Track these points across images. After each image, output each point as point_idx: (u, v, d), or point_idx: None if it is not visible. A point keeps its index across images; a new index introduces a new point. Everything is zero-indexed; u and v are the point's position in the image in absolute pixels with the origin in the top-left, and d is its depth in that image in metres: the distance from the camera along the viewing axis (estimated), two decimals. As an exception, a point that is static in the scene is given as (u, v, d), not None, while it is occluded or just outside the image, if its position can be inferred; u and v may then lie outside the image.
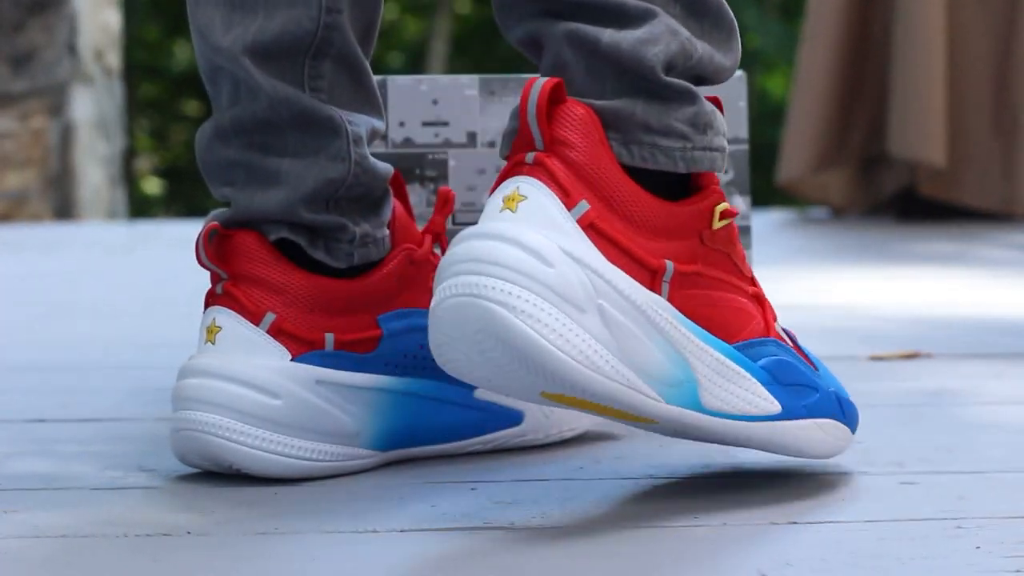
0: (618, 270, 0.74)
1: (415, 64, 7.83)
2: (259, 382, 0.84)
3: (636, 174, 0.78)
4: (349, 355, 0.86)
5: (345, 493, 0.83)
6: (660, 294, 0.76)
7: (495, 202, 0.75)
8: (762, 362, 0.80)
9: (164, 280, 2.18)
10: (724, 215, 0.79)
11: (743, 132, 1.12)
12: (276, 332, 0.85)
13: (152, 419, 1.06)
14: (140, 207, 7.62)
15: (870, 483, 0.84)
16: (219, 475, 0.87)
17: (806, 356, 0.84)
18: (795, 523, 0.76)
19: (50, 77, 3.52)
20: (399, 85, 1.12)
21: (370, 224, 0.88)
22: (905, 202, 3.12)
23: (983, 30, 3.01)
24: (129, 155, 6.62)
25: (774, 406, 0.80)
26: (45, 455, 0.93)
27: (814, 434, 0.82)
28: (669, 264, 0.76)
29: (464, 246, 0.74)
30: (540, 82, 0.76)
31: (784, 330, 0.84)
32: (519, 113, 0.77)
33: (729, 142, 1.11)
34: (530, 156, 0.76)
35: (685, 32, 0.80)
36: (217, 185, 0.89)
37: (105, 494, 0.83)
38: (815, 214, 3.33)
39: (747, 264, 0.82)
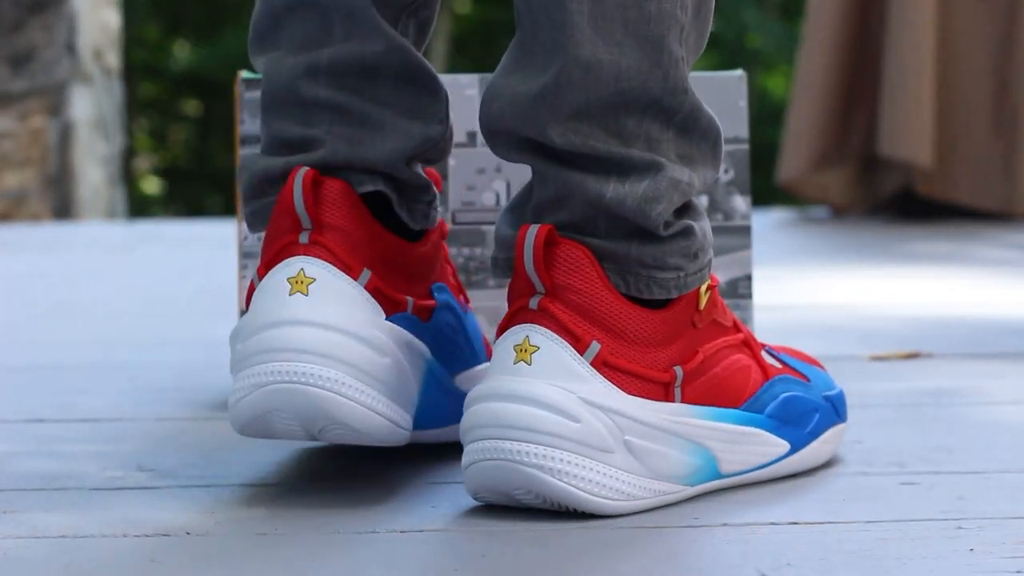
0: (635, 399, 0.78)
1: (415, 64, 7.81)
2: (370, 338, 0.79)
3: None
4: (418, 322, 0.84)
5: (345, 493, 0.82)
6: (675, 400, 0.79)
7: (507, 351, 0.77)
8: (768, 410, 0.84)
9: (164, 280, 2.18)
10: (707, 291, 0.82)
11: (743, 132, 1.12)
12: (373, 289, 0.80)
13: (152, 419, 1.06)
14: (139, 207, 7.62)
15: (870, 483, 0.84)
16: (218, 475, 0.87)
17: (794, 370, 0.86)
18: (795, 523, 0.76)
19: (49, 77, 3.52)
20: (399, 85, 1.12)
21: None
22: (905, 202, 3.11)
23: (983, 30, 3.01)
24: (128, 155, 6.62)
25: (783, 447, 0.85)
26: (44, 455, 0.93)
27: (819, 451, 0.87)
28: (678, 370, 0.80)
29: (488, 408, 0.76)
30: (534, 231, 0.77)
31: (769, 352, 0.86)
32: (515, 260, 0.78)
33: (729, 142, 1.11)
34: (534, 302, 0.77)
35: (685, 177, 0.80)
36: (293, 125, 0.84)
37: (104, 494, 0.83)
38: (815, 214, 3.33)
39: (728, 312, 0.85)
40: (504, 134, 0.80)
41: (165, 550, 0.72)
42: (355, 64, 0.83)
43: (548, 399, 0.75)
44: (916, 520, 0.77)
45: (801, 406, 0.86)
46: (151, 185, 8.60)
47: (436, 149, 0.85)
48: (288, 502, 0.80)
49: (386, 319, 0.81)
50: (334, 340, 0.77)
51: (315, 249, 0.80)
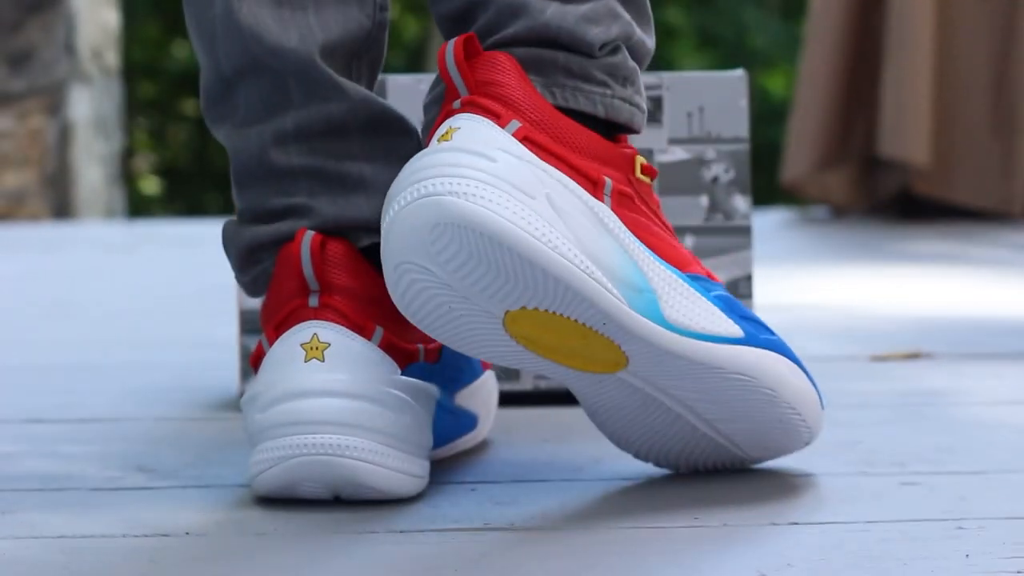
0: (559, 171, 0.74)
1: (415, 64, 7.83)
2: (390, 399, 0.79)
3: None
4: (429, 367, 0.83)
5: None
6: (603, 202, 0.76)
7: (431, 144, 0.75)
8: (715, 294, 0.79)
9: (163, 280, 2.18)
10: (644, 169, 0.79)
11: (744, 132, 1.12)
12: (387, 346, 0.80)
13: (151, 419, 1.06)
14: (138, 206, 7.62)
15: (870, 484, 0.84)
16: (218, 476, 0.87)
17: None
18: (796, 523, 0.76)
19: (48, 76, 3.52)
20: (399, 84, 1.12)
21: None
22: (905, 202, 3.12)
23: (981, 29, 3.01)
24: (127, 154, 6.62)
25: (736, 329, 0.78)
26: (44, 455, 0.93)
27: (780, 367, 0.80)
28: (608, 179, 0.76)
29: (403, 171, 0.74)
30: (453, 39, 0.76)
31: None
32: (439, 71, 0.77)
33: (729, 142, 1.11)
34: (457, 102, 0.76)
35: (626, 15, 0.80)
36: (272, 195, 0.83)
37: (104, 495, 0.83)
38: (816, 214, 3.33)
39: (669, 225, 0.81)
40: None
41: (164, 550, 0.72)
42: (322, 125, 0.82)
43: (465, 146, 0.72)
44: (917, 520, 0.77)
45: (753, 314, 0.81)
46: (150, 185, 8.60)
47: None
48: (287, 502, 0.80)
49: (401, 373, 0.81)
50: (355, 408, 0.78)
51: (326, 312, 0.79)
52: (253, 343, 1.10)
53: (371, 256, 0.83)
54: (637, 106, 0.80)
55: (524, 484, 0.84)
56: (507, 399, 1.09)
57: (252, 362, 0.82)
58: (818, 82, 3.10)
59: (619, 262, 0.74)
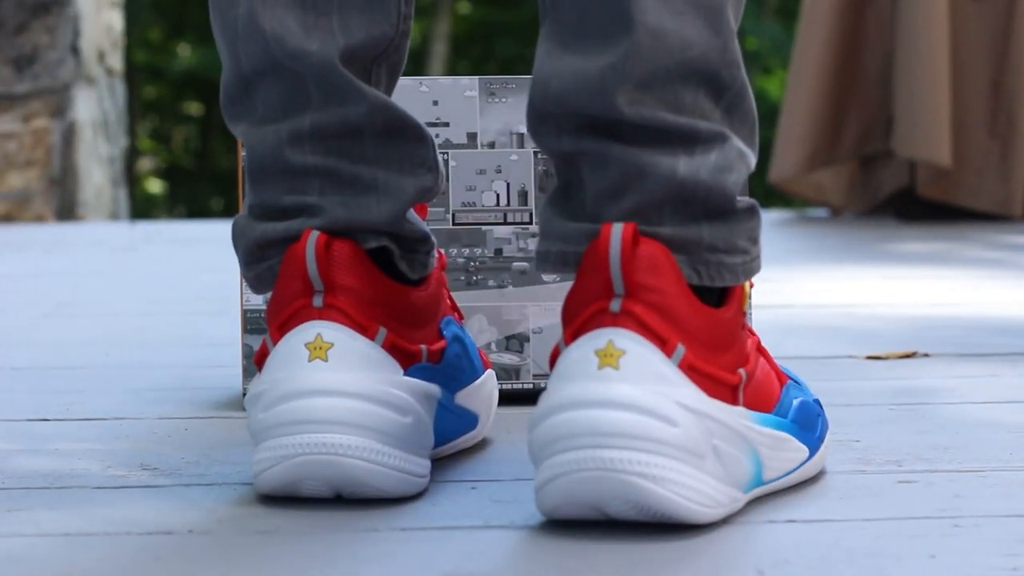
0: (717, 402, 0.75)
1: (415, 65, 7.83)
2: (392, 399, 0.79)
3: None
4: (432, 367, 0.84)
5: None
6: (739, 404, 0.78)
7: (587, 356, 0.73)
8: (791, 414, 0.83)
9: (166, 280, 2.18)
10: (750, 287, 0.82)
11: (742, 133, 1.12)
12: (390, 347, 0.80)
13: (154, 418, 1.06)
14: (142, 208, 7.61)
15: (868, 482, 0.84)
16: (220, 474, 0.87)
17: (784, 372, 0.86)
18: (793, 521, 0.76)
19: (53, 78, 3.52)
20: (400, 86, 1.12)
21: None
22: (903, 202, 3.11)
23: (980, 30, 3.01)
24: (131, 156, 6.61)
25: (804, 452, 0.84)
26: (48, 454, 0.93)
27: (823, 455, 0.87)
28: (743, 373, 0.78)
29: (579, 417, 0.72)
30: (619, 228, 0.74)
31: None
32: (599, 259, 0.74)
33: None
34: (616, 304, 0.74)
35: (746, 148, 0.79)
36: (284, 193, 0.83)
37: (107, 493, 0.83)
38: (813, 214, 3.32)
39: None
40: (561, 117, 0.78)
41: (167, 548, 0.72)
42: (339, 128, 0.82)
43: (645, 403, 0.72)
44: (913, 518, 0.77)
45: (811, 411, 0.85)
46: (154, 186, 8.59)
47: (430, 194, 0.85)
48: (290, 501, 0.80)
49: (404, 374, 0.81)
50: (358, 408, 0.78)
51: (330, 312, 0.79)
52: (255, 343, 1.11)
53: (377, 258, 0.83)
54: (760, 253, 0.81)
55: (524, 483, 0.83)
56: (507, 398, 1.09)
57: (256, 360, 0.82)
58: (807, 82, 3.09)
59: (748, 466, 0.78)
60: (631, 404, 0.72)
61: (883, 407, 1.08)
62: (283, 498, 0.81)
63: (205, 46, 7.76)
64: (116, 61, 3.91)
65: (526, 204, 1.10)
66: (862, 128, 3.09)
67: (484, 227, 1.10)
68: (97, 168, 3.73)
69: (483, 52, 8.43)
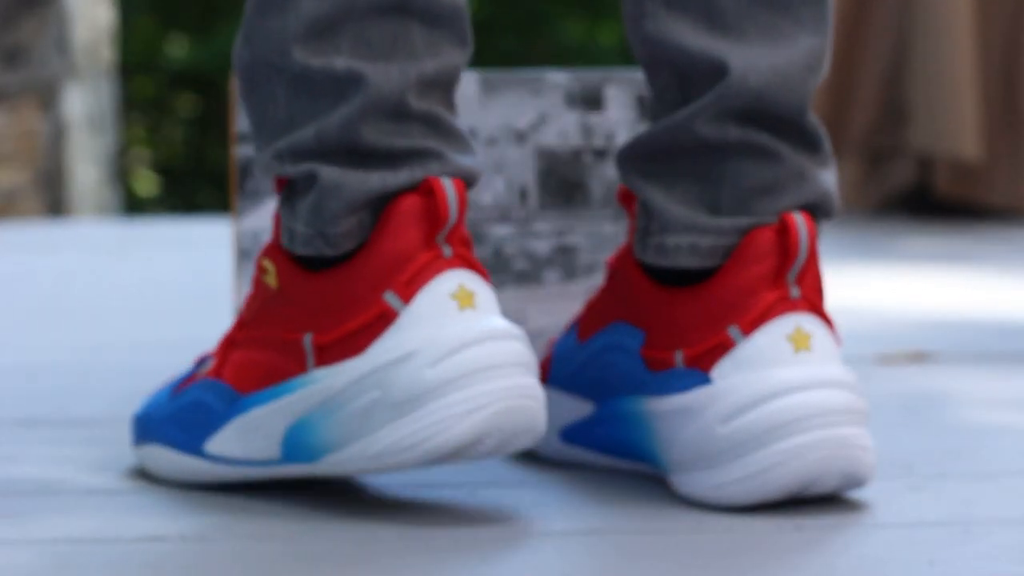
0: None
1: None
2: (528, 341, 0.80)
3: None
4: None
5: (341, 497, 0.82)
6: None
7: (779, 341, 0.78)
8: None
9: (158, 279, 2.18)
10: None
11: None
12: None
13: (146, 420, 1.05)
14: (133, 204, 7.62)
15: (877, 487, 0.83)
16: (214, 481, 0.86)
17: None
18: (801, 528, 0.76)
19: (42, 73, 3.51)
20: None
21: None
22: (911, 200, 3.11)
23: (994, 23, 3.00)
24: (123, 152, 6.62)
25: None
26: (37, 458, 0.93)
27: None
28: None
29: (807, 398, 0.77)
30: (804, 222, 0.79)
31: None
32: (790, 245, 0.78)
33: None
34: (796, 291, 0.79)
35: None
36: (393, 136, 0.77)
37: (99, 498, 0.82)
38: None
39: None
40: (746, 110, 0.80)
41: (159, 555, 0.71)
42: (450, 78, 0.79)
43: (849, 380, 0.78)
44: (923, 524, 0.76)
45: None
46: (146, 183, 8.61)
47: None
48: (283, 506, 0.80)
49: None
50: (527, 350, 0.76)
51: (458, 261, 0.76)
52: (249, 343, 1.09)
53: None
54: None
55: (524, 485, 0.83)
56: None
57: (369, 320, 0.75)
58: None
59: None
60: (841, 382, 0.78)
61: (892, 411, 1.07)
62: (276, 504, 0.80)
63: (199, 41, 7.77)
64: (107, 56, 3.90)
65: (526, 202, 1.09)
66: (868, 122, 3.09)
67: (484, 226, 1.09)
68: (88, 165, 3.73)
69: (483, 48, 8.45)
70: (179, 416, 0.83)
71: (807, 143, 0.81)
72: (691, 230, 0.80)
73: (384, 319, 0.75)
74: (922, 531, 0.75)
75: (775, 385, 0.77)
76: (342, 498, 0.81)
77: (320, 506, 0.80)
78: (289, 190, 0.79)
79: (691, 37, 0.80)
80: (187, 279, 2.13)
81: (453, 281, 0.75)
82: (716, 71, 0.80)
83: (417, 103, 0.78)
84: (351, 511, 0.79)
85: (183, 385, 0.85)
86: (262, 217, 1.08)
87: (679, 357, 0.80)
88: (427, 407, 0.74)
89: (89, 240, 2.85)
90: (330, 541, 0.74)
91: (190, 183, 8.33)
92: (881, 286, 1.97)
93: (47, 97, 3.54)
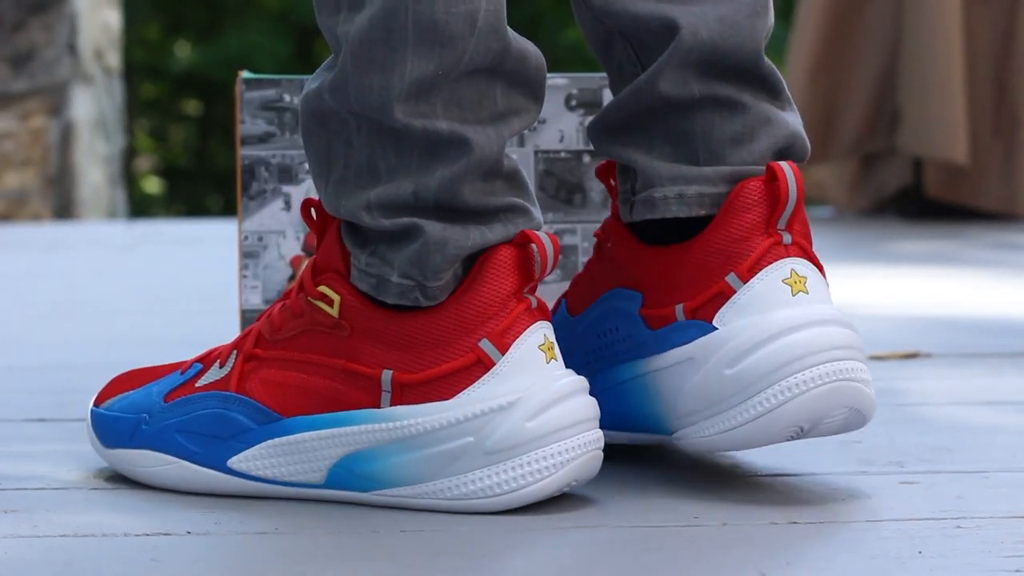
0: None
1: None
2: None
3: None
4: None
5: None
6: None
7: (776, 285, 0.80)
8: None
9: (164, 279, 2.18)
10: None
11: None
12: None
13: (152, 419, 1.06)
14: (140, 207, 7.61)
15: (870, 483, 0.84)
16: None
17: None
18: (795, 523, 0.76)
19: (50, 77, 3.52)
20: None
21: None
22: (905, 201, 3.11)
23: (984, 29, 3.00)
24: (129, 155, 6.61)
25: None
26: (45, 455, 0.93)
27: None
28: None
29: (812, 334, 0.79)
30: (789, 169, 0.81)
31: None
32: (779, 192, 0.80)
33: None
34: (787, 237, 0.81)
35: None
36: (487, 195, 0.80)
37: (105, 494, 0.83)
38: (816, 213, 3.32)
39: None
40: (703, 64, 0.82)
41: (166, 549, 0.72)
42: (521, 135, 0.85)
43: (844, 318, 0.80)
44: (915, 519, 0.77)
45: None
46: (152, 185, 8.59)
47: None
48: (288, 501, 0.80)
49: None
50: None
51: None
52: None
53: None
54: None
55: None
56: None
57: (453, 374, 0.77)
58: (798, 80, 3.08)
59: None
60: (838, 320, 0.80)
61: (885, 408, 1.08)
62: (281, 500, 0.80)
63: (204, 44, 7.76)
64: (114, 59, 3.91)
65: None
66: (862, 124, 3.08)
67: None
68: (95, 167, 3.73)
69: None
70: (190, 427, 0.82)
71: (767, 89, 0.83)
72: (676, 180, 0.82)
73: (480, 366, 0.77)
74: (914, 526, 0.75)
75: (778, 325, 0.79)
76: (343, 497, 0.82)
77: (323, 504, 0.80)
78: (376, 240, 0.79)
79: (637, 4, 0.82)
80: (192, 279, 2.13)
81: (539, 333, 0.78)
82: (668, 30, 0.82)
83: (506, 162, 0.80)
84: (352, 509, 0.79)
85: (179, 393, 0.84)
86: (265, 219, 1.09)
87: (679, 310, 0.81)
88: (523, 458, 0.76)
89: (96, 240, 2.85)
90: (333, 537, 0.74)
91: (195, 185, 8.31)
92: (873, 286, 1.97)
93: (55, 100, 3.54)
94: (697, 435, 0.80)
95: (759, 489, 0.83)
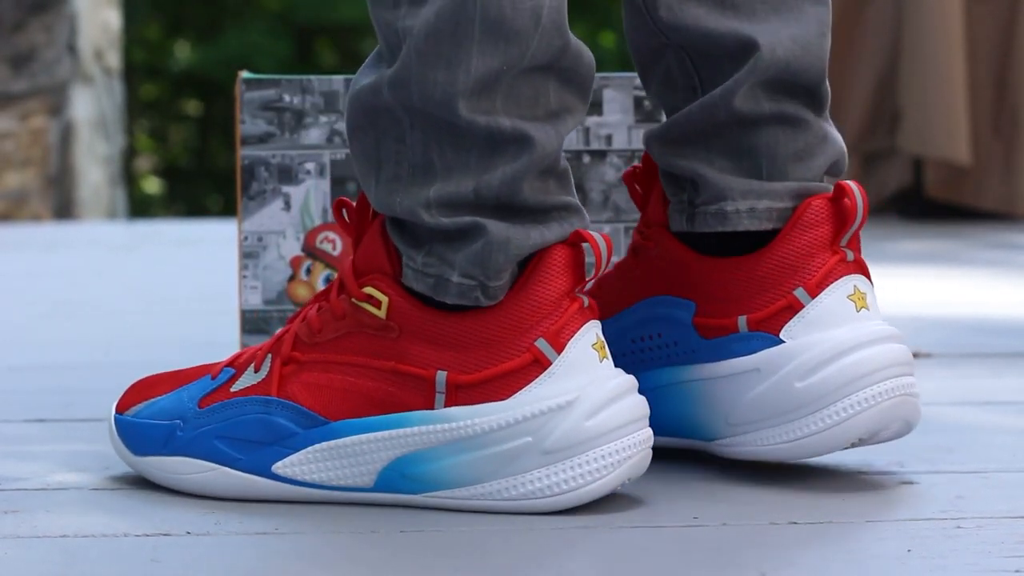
0: None
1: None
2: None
3: None
4: None
5: (344, 494, 0.82)
6: None
7: (843, 301, 0.83)
8: None
9: (164, 279, 2.18)
10: None
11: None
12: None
13: (152, 419, 1.06)
14: (140, 207, 7.61)
15: (870, 483, 0.84)
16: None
17: None
18: (795, 523, 0.76)
19: (50, 77, 3.52)
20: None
21: None
22: (905, 201, 3.11)
23: (984, 28, 3.00)
24: (129, 155, 6.61)
25: None
26: (45, 455, 0.93)
27: None
28: None
29: (879, 351, 0.82)
30: (858, 189, 0.83)
31: None
32: (848, 214, 0.83)
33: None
34: (850, 255, 0.84)
35: None
36: (544, 193, 0.80)
37: (105, 494, 0.83)
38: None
39: None
40: (775, 82, 0.84)
41: (166, 550, 0.72)
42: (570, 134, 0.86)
43: (901, 335, 0.83)
44: (915, 519, 0.77)
45: None
46: (151, 185, 8.60)
47: None
48: (287, 504, 0.80)
49: None
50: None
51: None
52: (253, 342, 1.10)
53: None
54: None
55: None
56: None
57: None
58: None
59: None
60: (898, 337, 0.83)
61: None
62: (281, 500, 0.80)
63: (204, 44, 7.76)
64: (114, 59, 3.91)
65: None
66: (862, 124, 3.08)
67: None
68: (94, 167, 3.73)
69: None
70: (231, 433, 0.81)
71: (823, 106, 0.86)
72: (747, 195, 0.84)
73: (536, 366, 0.77)
74: (914, 526, 0.75)
75: (848, 342, 0.82)
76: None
77: (322, 504, 0.80)
78: (430, 239, 0.78)
79: (710, 20, 0.84)
80: (192, 279, 2.13)
81: (592, 332, 0.78)
82: (744, 48, 0.83)
83: (561, 161, 0.80)
84: (352, 509, 0.79)
85: (214, 398, 0.83)
86: (265, 219, 1.09)
87: (742, 322, 0.83)
88: (582, 457, 0.76)
89: (96, 241, 2.85)
90: (332, 537, 0.74)
91: (195, 185, 8.32)
92: (874, 285, 1.97)
93: (55, 100, 3.54)
94: (758, 443, 0.83)
95: (759, 489, 0.83)
